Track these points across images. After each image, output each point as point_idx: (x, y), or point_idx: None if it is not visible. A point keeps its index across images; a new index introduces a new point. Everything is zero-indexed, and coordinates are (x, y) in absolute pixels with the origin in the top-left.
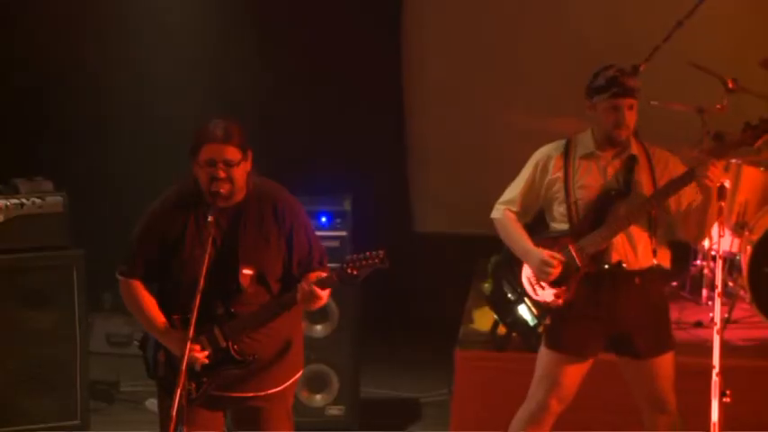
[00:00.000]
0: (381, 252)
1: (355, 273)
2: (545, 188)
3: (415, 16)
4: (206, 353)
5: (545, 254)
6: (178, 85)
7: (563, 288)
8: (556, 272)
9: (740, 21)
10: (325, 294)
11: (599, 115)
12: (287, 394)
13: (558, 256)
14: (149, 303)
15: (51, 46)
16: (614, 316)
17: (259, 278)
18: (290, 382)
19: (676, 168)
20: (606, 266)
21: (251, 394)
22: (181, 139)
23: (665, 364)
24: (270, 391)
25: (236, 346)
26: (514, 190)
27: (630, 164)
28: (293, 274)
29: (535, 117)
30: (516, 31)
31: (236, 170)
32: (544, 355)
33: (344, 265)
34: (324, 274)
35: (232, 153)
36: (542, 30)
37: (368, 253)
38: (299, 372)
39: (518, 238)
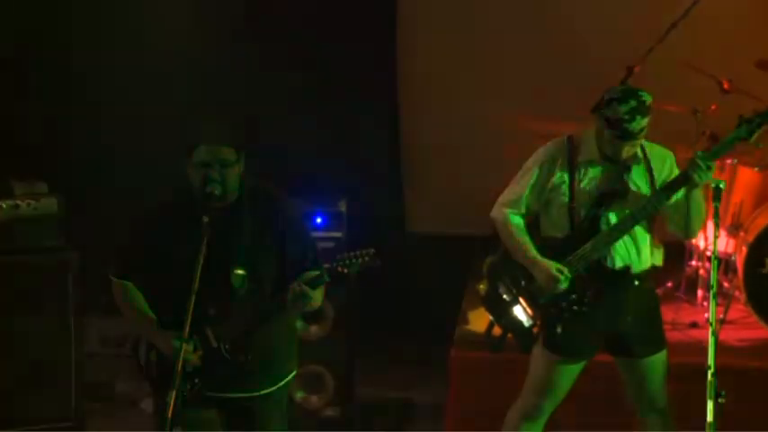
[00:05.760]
0: (372, 250)
1: (346, 271)
2: (548, 191)
3: (410, 16)
4: (198, 353)
5: (554, 268)
6: (173, 86)
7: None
8: (564, 287)
9: (735, 21)
10: (316, 295)
11: (602, 131)
12: (281, 394)
13: (565, 270)
14: (141, 304)
15: (44, 48)
16: (611, 318)
17: (252, 279)
18: (284, 382)
19: (673, 167)
20: (611, 271)
21: (245, 395)
22: (176, 139)
23: (658, 363)
24: (263, 392)
25: (227, 347)
26: (518, 191)
27: (629, 165)
28: (287, 275)
29: (532, 118)
30: (512, 31)
31: (230, 171)
32: (539, 355)
33: (335, 264)
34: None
35: (227, 153)
36: (539, 30)
37: (358, 251)
38: (292, 372)
39: (524, 245)
